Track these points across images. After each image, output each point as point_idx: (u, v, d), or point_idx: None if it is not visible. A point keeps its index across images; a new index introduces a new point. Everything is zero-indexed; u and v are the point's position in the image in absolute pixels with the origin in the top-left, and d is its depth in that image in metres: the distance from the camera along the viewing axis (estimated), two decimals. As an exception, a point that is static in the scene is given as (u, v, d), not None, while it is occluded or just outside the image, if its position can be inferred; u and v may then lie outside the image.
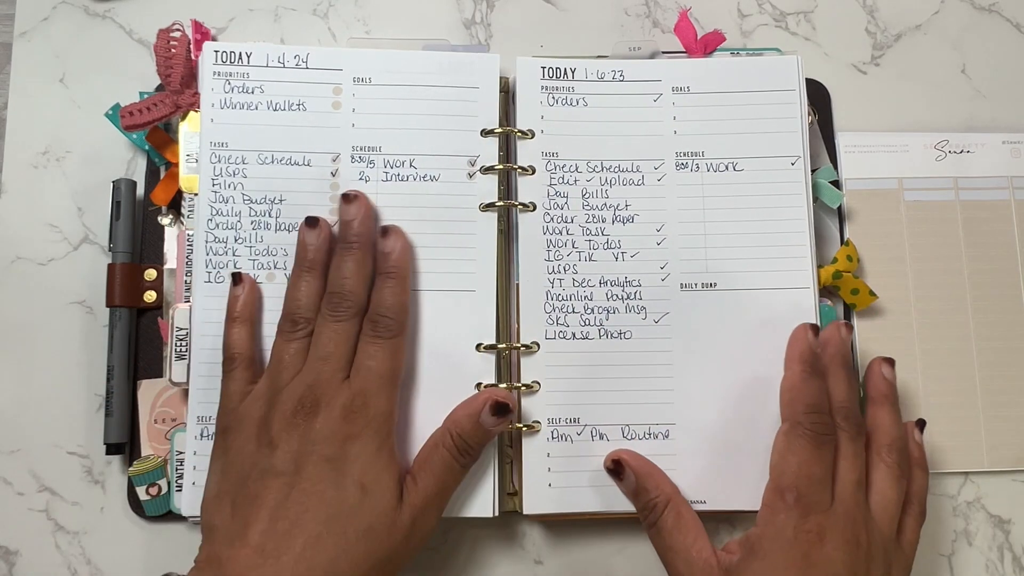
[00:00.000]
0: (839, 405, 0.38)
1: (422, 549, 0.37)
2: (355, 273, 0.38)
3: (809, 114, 0.44)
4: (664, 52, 0.46)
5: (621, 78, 0.43)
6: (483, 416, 0.37)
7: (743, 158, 0.42)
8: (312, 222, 0.39)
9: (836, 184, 0.45)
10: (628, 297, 0.41)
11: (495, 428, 0.38)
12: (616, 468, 0.39)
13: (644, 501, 0.38)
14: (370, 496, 0.35)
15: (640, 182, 0.42)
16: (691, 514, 0.38)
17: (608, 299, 0.41)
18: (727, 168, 0.42)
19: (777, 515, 0.36)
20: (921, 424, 0.40)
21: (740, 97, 0.43)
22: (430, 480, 0.37)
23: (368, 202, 0.40)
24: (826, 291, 0.44)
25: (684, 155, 0.42)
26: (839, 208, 0.46)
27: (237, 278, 0.40)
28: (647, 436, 0.40)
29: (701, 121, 0.43)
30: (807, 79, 0.44)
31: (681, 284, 0.41)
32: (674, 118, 0.43)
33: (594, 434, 0.40)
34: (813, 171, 0.44)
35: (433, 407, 0.39)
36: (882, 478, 0.37)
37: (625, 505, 0.40)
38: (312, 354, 0.37)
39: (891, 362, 0.40)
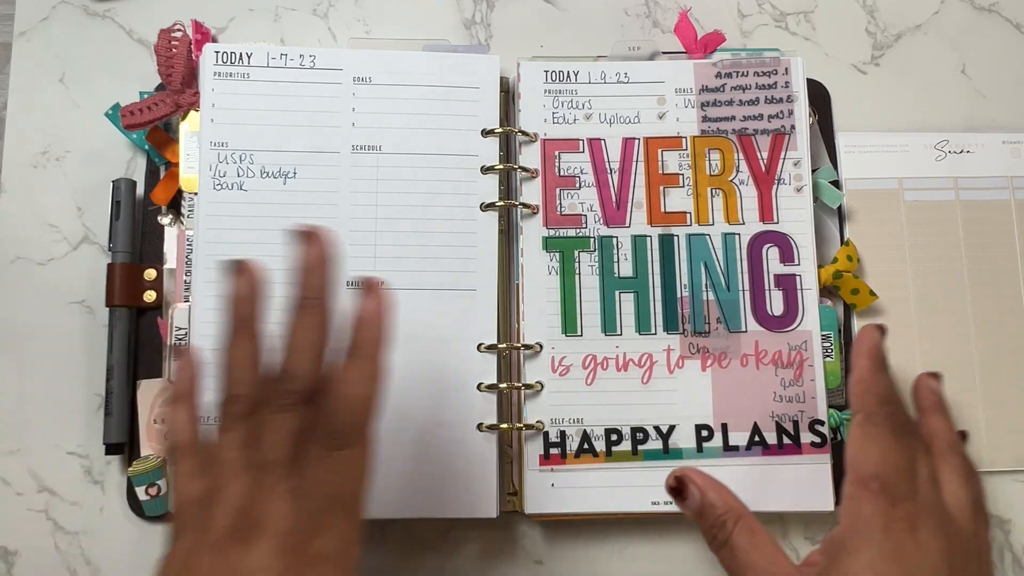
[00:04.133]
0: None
1: None
2: (308, 344, 0.29)
3: (809, 114, 0.44)
4: (664, 52, 0.46)
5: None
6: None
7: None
8: (238, 267, 0.30)
9: (836, 184, 0.45)
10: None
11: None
12: (678, 486, 0.35)
13: (711, 519, 0.34)
14: None
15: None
16: (764, 530, 0.34)
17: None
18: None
19: (863, 506, 0.32)
20: (964, 435, 0.37)
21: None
22: None
23: (328, 245, 0.30)
24: (826, 291, 0.44)
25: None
26: (839, 208, 0.46)
27: (178, 353, 0.32)
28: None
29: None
30: (806, 79, 0.44)
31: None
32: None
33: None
34: (813, 171, 0.44)
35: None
36: (951, 478, 0.34)
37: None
38: (251, 454, 0.29)
39: (937, 376, 0.38)
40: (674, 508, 0.39)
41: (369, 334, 0.30)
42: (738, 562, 0.33)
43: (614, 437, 0.40)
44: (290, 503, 0.28)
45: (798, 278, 0.42)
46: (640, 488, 0.40)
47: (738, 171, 0.43)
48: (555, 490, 0.40)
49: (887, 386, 0.35)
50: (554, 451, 0.40)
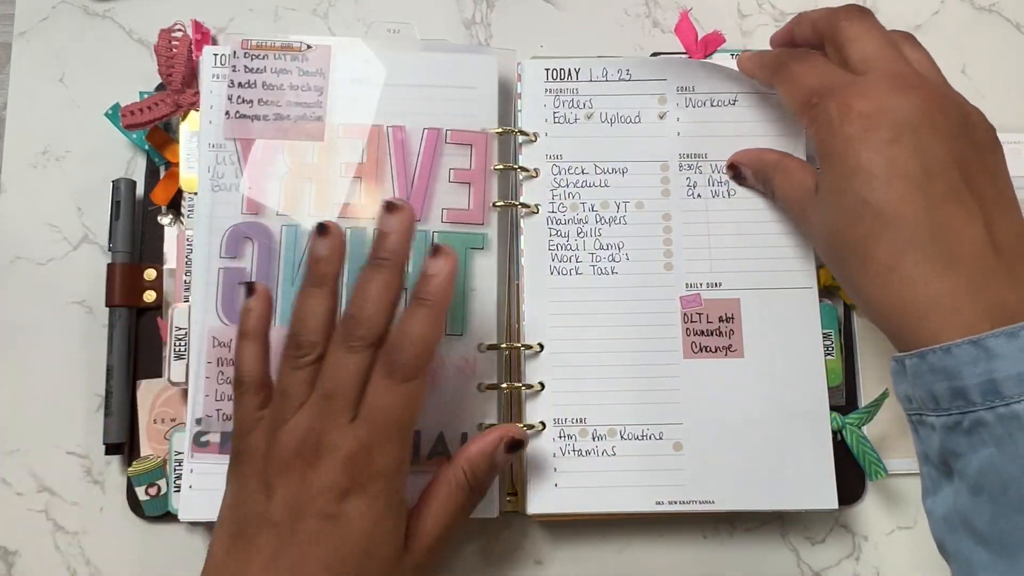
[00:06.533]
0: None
1: None
2: (380, 296, 0.33)
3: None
4: (664, 53, 0.46)
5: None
6: (498, 454, 0.36)
7: None
8: (323, 229, 0.34)
9: (836, 184, 0.45)
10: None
11: (506, 465, 0.38)
12: (733, 170, 0.42)
13: (760, 179, 0.41)
14: (373, 559, 0.32)
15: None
16: (799, 167, 0.39)
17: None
18: None
19: (819, 115, 0.34)
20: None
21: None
22: (441, 520, 0.35)
23: (413, 216, 0.34)
24: (826, 291, 0.44)
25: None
26: (839, 208, 0.46)
27: (250, 289, 0.35)
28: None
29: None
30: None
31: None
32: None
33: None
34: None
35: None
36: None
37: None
38: (318, 388, 0.33)
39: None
40: (678, 508, 0.40)
41: (437, 288, 0.33)
42: (779, 200, 0.40)
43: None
44: (353, 430, 0.32)
45: None
46: (644, 488, 0.40)
47: None
48: (560, 490, 0.40)
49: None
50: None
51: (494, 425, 0.40)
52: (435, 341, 0.33)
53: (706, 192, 0.42)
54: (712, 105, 0.43)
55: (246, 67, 0.41)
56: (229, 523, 0.33)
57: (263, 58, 0.41)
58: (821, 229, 0.35)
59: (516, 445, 0.37)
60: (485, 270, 0.41)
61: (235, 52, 0.41)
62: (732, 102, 0.43)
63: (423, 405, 0.34)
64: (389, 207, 0.33)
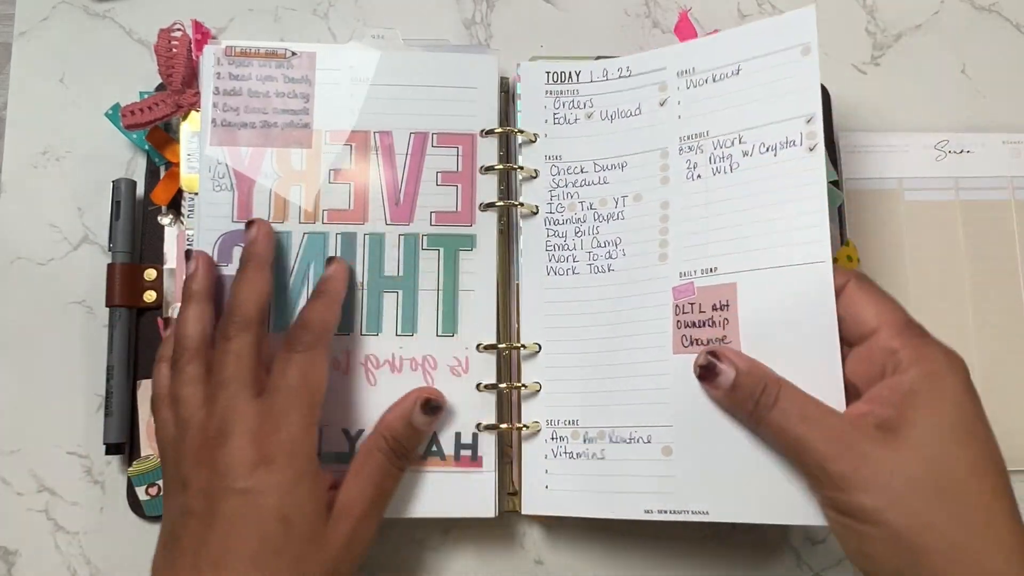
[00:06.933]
0: None
1: (366, 556, 0.36)
2: (249, 289, 0.36)
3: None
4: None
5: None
6: (414, 416, 0.38)
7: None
8: (189, 255, 0.39)
9: (836, 184, 0.45)
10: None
11: (428, 428, 0.38)
12: (710, 365, 0.35)
13: (749, 388, 0.34)
14: (293, 527, 0.33)
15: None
16: (809, 396, 0.34)
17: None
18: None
19: (926, 350, 0.33)
20: None
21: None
22: (367, 487, 0.36)
23: (269, 227, 0.39)
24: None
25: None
26: (839, 208, 0.46)
27: (188, 255, 0.39)
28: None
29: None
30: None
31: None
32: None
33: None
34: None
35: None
36: None
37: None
38: (211, 381, 0.35)
39: None
40: (668, 517, 0.37)
41: (331, 284, 0.39)
42: (792, 424, 0.33)
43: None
44: (257, 404, 0.34)
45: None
46: (633, 495, 0.38)
47: None
48: (551, 492, 0.40)
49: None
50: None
51: (492, 425, 0.40)
52: (331, 322, 0.38)
53: (707, 171, 0.39)
54: (714, 80, 0.40)
55: (231, 74, 0.41)
56: (163, 533, 0.35)
57: (247, 65, 0.41)
58: (908, 471, 0.31)
59: (432, 407, 0.38)
60: (476, 271, 0.41)
61: (219, 59, 0.41)
62: (735, 72, 0.39)
63: (326, 379, 0.36)
64: (249, 224, 0.39)
